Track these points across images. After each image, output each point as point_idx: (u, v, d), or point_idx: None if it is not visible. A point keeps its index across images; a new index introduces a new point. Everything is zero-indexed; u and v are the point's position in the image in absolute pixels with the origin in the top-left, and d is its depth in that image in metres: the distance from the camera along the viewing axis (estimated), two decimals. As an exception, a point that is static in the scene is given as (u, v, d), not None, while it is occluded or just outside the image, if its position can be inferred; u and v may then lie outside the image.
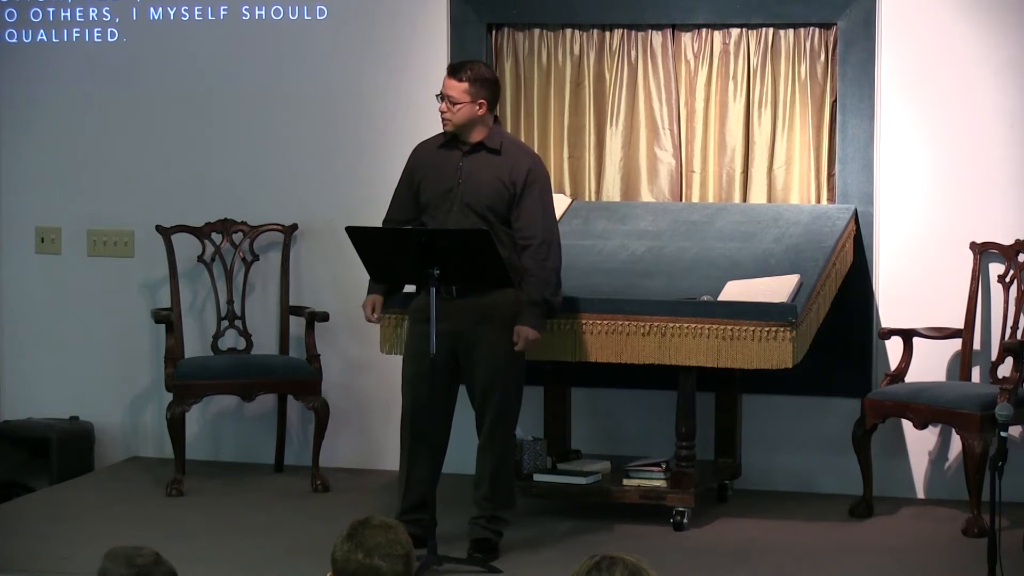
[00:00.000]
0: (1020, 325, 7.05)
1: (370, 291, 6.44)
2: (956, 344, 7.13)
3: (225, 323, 7.80)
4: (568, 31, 7.57)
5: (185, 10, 7.90)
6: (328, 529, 6.16)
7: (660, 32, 7.46)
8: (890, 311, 7.22)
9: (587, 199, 7.55)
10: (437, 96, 6.31)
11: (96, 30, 8.01)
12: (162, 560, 3.25)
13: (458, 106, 6.23)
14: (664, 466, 6.76)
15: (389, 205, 6.46)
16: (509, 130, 7.58)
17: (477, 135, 6.28)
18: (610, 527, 6.72)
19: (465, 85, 6.23)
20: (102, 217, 8.05)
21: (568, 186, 7.59)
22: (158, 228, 7.74)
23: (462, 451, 6.63)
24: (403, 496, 6.34)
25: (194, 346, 7.81)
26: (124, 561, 3.23)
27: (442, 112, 6.27)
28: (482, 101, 6.25)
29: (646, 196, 7.50)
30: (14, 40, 8.09)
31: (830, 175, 7.33)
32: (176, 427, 7.34)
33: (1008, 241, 7.10)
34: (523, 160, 6.28)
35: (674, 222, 7.20)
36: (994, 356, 7.07)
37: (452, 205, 6.25)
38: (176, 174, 7.97)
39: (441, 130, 6.36)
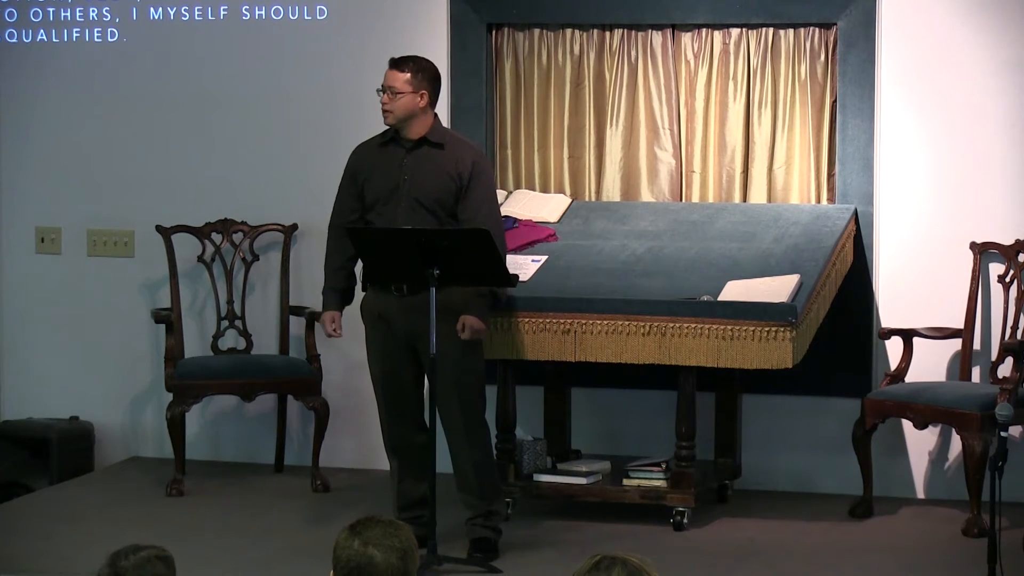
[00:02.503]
0: (1020, 325, 7.05)
1: (326, 306, 6.49)
2: (956, 344, 7.13)
3: (225, 323, 7.80)
4: (568, 31, 7.56)
5: (185, 10, 7.90)
6: (328, 529, 6.17)
7: (660, 32, 7.46)
8: (890, 311, 7.23)
9: (587, 199, 7.55)
10: (378, 90, 6.30)
11: (96, 30, 8.01)
12: (152, 564, 3.24)
13: (399, 96, 6.24)
14: (664, 466, 6.76)
15: (333, 208, 6.48)
16: (509, 130, 7.59)
17: (418, 130, 6.28)
18: (610, 527, 6.72)
19: (407, 76, 6.25)
20: (102, 217, 8.05)
21: (568, 186, 7.59)
22: (158, 228, 7.75)
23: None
24: (396, 495, 6.39)
25: (194, 346, 7.81)
26: (110, 560, 3.25)
27: (383, 104, 6.27)
28: (423, 92, 6.26)
29: (646, 196, 7.50)
30: (14, 40, 8.09)
31: (830, 175, 7.33)
32: (176, 427, 7.35)
33: (1008, 241, 7.10)
34: (467, 153, 6.30)
35: (674, 222, 7.20)
36: (994, 356, 7.07)
37: (400, 202, 6.26)
38: (176, 174, 7.97)
39: (381, 129, 6.38)
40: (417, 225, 6.14)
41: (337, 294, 6.48)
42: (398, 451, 6.40)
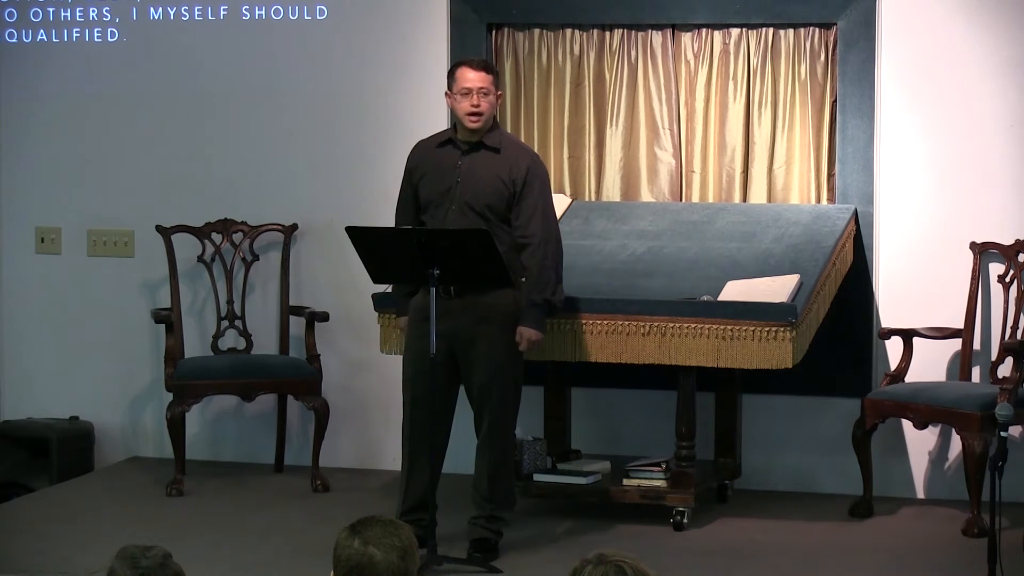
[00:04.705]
0: (1020, 325, 7.05)
1: (401, 312, 6.47)
2: (956, 344, 7.13)
3: (225, 323, 7.80)
4: (568, 31, 7.57)
5: (185, 10, 7.90)
6: (328, 529, 6.16)
7: (660, 32, 7.46)
8: (890, 311, 7.22)
9: (587, 199, 7.55)
10: (463, 91, 6.21)
11: (96, 30, 8.01)
12: (169, 562, 3.24)
13: (490, 97, 6.24)
14: (664, 466, 6.76)
15: (396, 212, 6.45)
16: (509, 130, 7.58)
17: (480, 133, 6.28)
18: (610, 527, 6.72)
19: (492, 77, 6.29)
20: (102, 217, 8.05)
21: (568, 186, 7.59)
22: (158, 228, 7.75)
23: (462, 451, 6.63)
24: (403, 496, 6.34)
25: (194, 346, 7.81)
26: (130, 562, 3.22)
27: (474, 107, 6.21)
28: (500, 92, 6.31)
29: (646, 196, 7.50)
30: (14, 40, 8.09)
31: (830, 175, 7.33)
32: (176, 427, 7.34)
33: (1008, 241, 7.10)
34: (522, 158, 6.29)
35: (674, 222, 7.20)
36: (994, 356, 7.07)
37: (451, 204, 6.25)
38: (176, 174, 7.97)
39: (438, 128, 6.37)
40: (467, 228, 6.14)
41: (408, 298, 6.41)
42: (413, 453, 6.33)
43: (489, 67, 6.34)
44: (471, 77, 6.24)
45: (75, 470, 7.80)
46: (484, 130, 6.26)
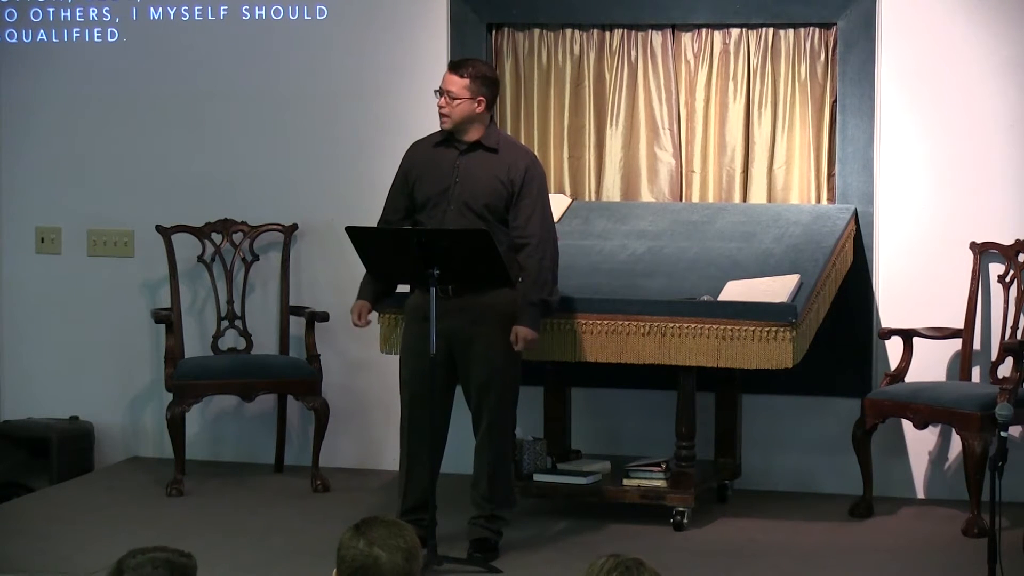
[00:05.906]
0: (1020, 325, 7.05)
1: (360, 295, 6.43)
2: (956, 344, 7.13)
3: (225, 323, 7.80)
4: (568, 31, 7.57)
5: (185, 10, 7.90)
6: (328, 529, 6.17)
7: (660, 32, 7.46)
8: (890, 311, 7.23)
9: (587, 199, 7.55)
10: (436, 92, 6.30)
11: (96, 30, 8.01)
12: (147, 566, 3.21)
13: (457, 102, 6.22)
14: (664, 466, 6.76)
15: (384, 206, 6.46)
16: (509, 130, 7.58)
17: (474, 134, 6.27)
18: (610, 527, 6.72)
19: (466, 81, 6.23)
20: (102, 217, 8.05)
21: (568, 186, 7.59)
22: (158, 228, 7.75)
23: (462, 451, 6.63)
24: (403, 496, 6.33)
25: (194, 346, 7.81)
26: (119, 559, 3.20)
27: (440, 107, 6.25)
28: (481, 99, 6.24)
29: (646, 196, 7.50)
30: (14, 40, 8.09)
31: (830, 175, 7.33)
32: (176, 427, 7.34)
33: (1008, 241, 7.10)
34: (521, 159, 6.29)
35: (674, 222, 7.20)
36: (994, 356, 7.07)
37: (449, 204, 6.25)
38: (176, 174, 7.97)
39: (438, 128, 6.36)
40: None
41: (371, 285, 6.43)
42: (412, 453, 6.33)
43: (460, 69, 6.25)
44: (444, 78, 6.26)
45: (75, 470, 7.80)
46: (463, 128, 6.24)
